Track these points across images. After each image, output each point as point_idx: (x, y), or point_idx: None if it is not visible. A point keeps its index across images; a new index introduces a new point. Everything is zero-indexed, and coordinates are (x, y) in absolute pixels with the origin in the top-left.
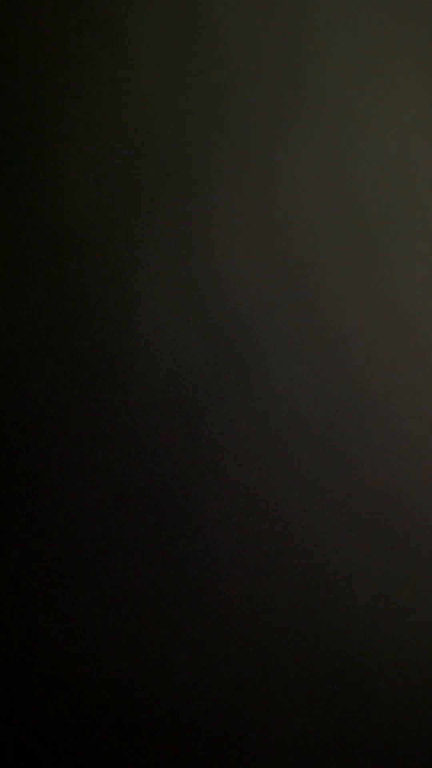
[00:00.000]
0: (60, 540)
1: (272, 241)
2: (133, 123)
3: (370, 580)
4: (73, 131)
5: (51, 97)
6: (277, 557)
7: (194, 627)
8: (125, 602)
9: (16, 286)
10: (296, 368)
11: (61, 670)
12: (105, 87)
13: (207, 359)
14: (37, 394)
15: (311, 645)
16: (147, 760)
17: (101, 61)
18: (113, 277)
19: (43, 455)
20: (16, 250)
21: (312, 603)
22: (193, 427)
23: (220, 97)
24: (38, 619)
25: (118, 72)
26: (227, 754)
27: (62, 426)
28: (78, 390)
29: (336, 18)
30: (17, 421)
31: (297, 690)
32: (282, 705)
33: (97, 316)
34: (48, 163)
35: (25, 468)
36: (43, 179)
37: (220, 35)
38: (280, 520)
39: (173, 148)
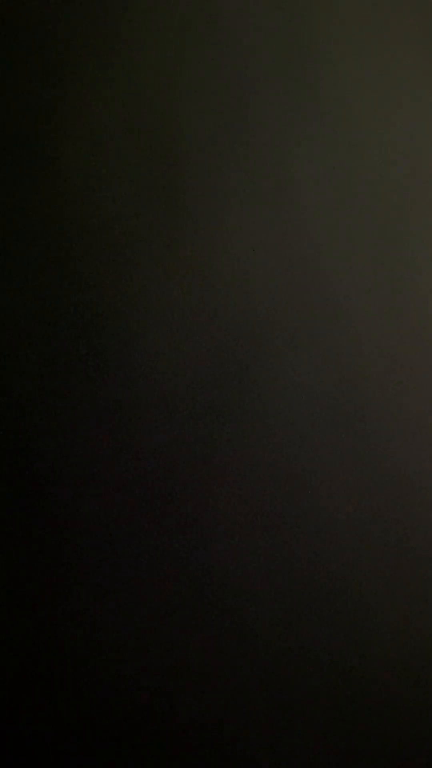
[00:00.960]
0: (64, 540)
1: (279, 236)
2: (139, 121)
3: (376, 575)
4: (79, 132)
5: (60, 96)
6: (285, 555)
7: (199, 627)
8: (130, 602)
9: (23, 283)
10: (304, 365)
11: (63, 669)
12: (112, 88)
13: (212, 356)
14: (40, 395)
15: (319, 641)
16: (148, 761)
17: (108, 60)
18: (118, 276)
19: (46, 455)
20: (20, 247)
21: (318, 597)
22: (198, 424)
23: (229, 91)
24: (41, 619)
25: (125, 72)
26: (229, 753)
27: (64, 425)
28: (82, 389)
29: (343, 17)
30: (20, 421)
31: (302, 688)
32: (286, 704)
33: (100, 317)
34: (54, 165)
35: (28, 470)
36: (49, 180)
37: (227, 35)
38: (288, 521)
39: (179, 143)
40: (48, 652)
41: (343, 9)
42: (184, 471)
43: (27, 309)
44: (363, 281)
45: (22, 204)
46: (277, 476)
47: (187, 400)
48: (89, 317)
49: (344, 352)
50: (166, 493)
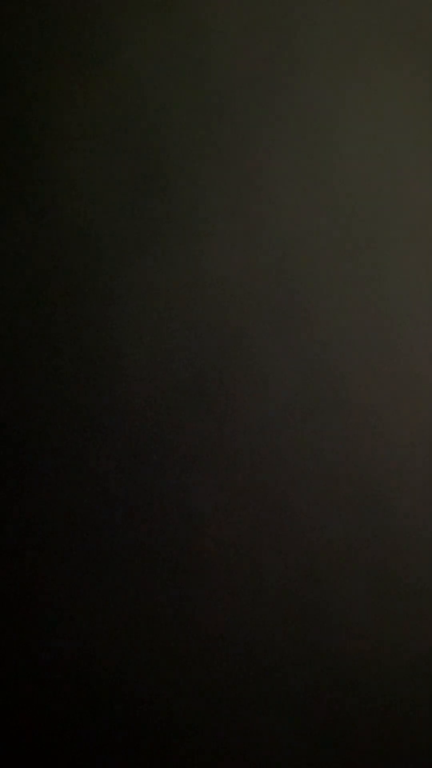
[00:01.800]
0: (55, 546)
1: (261, 243)
2: (125, 129)
3: (363, 574)
4: (71, 135)
5: (51, 104)
6: (271, 555)
7: (187, 629)
8: (120, 604)
9: (12, 289)
10: (286, 370)
11: (59, 672)
12: (101, 93)
13: (195, 362)
14: (29, 402)
15: (306, 642)
16: (145, 762)
17: (98, 65)
18: (102, 281)
19: (37, 462)
20: (14, 244)
21: (304, 596)
22: (182, 430)
23: (211, 100)
24: (37, 622)
25: (114, 78)
26: (223, 754)
27: (54, 430)
28: (69, 394)
29: (323, 24)
30: (11, 429)
31: (294, 689)
32: (279, 701)
33: (85, 321)
34: (46, 172)
35: (18, 474)
36: (39, 187)
37: (213, 42)
38: (273, 522)
39: (163, 151)
40: (45, 653)
41: (323, 16)
42: (172, 476)
43: (21, 303)
44: (345, 284)
45: (15, 205)
46: (263, 479)
47: (171, 405)
48: (75, 320)
49: (326, 354)
50: (156, 496)
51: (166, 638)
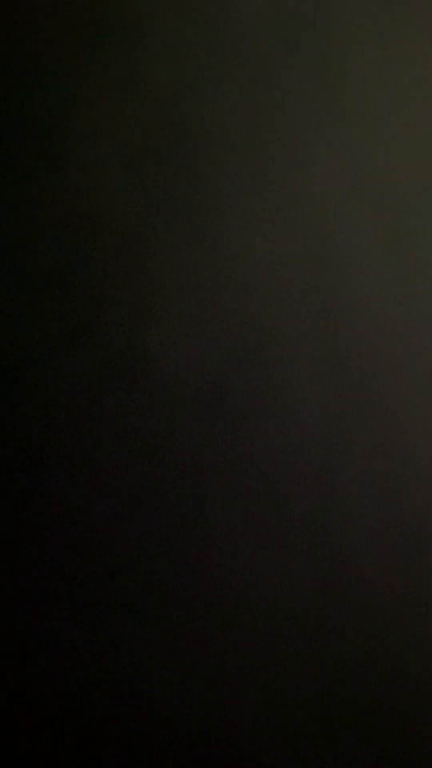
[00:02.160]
0: (71, 536)
1: (289, 228)
2: (149, 124)
3: (377, 564)
4: (87, 135)
5: (62, 92)
6: (285, 549)
7: (201, 627)
8: (132, 596)
9: (31, 279)
10: (313, 359)
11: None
12: (116, 79)
13: (223, 351)
14: (54, 392)
15: (319, 634)
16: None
17: (112, 52)
18: (126, 269)
19: (58, 452)
20: (28, 244)
21: (320, 588)
22: (204, 431)
23: (238, 92)
24: (37, 624)
25: (129, 64)
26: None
27: (78, 420)
28: (95, 383)
29: (355, 11)
30: (34, 418)
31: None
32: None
33: (110, 308)
34: (56, 160)
35: (39, 463)
36: (51, 176)
37: (234, 31)
38: (292, 518)
39: (189, 144)
40: (45, 657)
41: (356, 6)
42: (193, 464)
43: (37, 308)
44: (375, 269)
45: (30, 205)
46: (285, 467)
47: (198, 395)
48: (100, 308)
49: (355, 342)
50: (176, 487)
51: (170, 629)
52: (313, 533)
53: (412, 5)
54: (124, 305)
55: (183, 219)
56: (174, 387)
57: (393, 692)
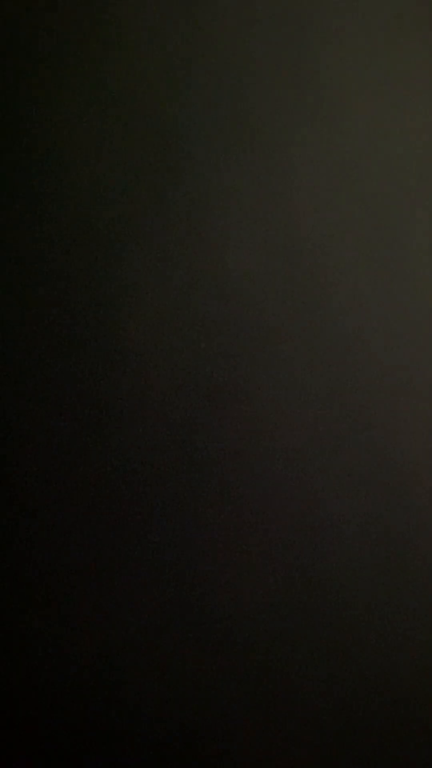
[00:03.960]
0: (56, 546)
1: (278, 230)
2: (138, 115)
3: (367, 568)
4: (78, 125)
5: (59, 88)
6: (278, 555)
7: (195, 632)
8: (122, 604)
9: (19, 282)
10: (301, 360)
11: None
12: (111, 80)
13: (208, 351)
14: (29, 395)
15: (312, 634)
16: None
17: (108, 52)
18: (111, 269)
19: (35, 460)
20: (22, 235)
21: (312, 594)
22: (192, 423)
23: (228, 85)
24: (36, 624)
25: (125, 63)
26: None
27: (54, 423)
28: (79, 388)
29: (343, 14)
30: (9, 423)
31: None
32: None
33: (94, 314)
34: (54, 160)
35: (16, 473)
36: (49, 177)
37: (227, 26)
38: (283, 524)
39: (178, 136)
40: (45, 659)
41: (346, 8)
42: (179, 470)
43: (28, 297)
44: (363, 272)
45: (18, 193)
46: (275, 474)
47: (179, 400)
48: (82, 308)
49: (344, 347)
50: (162, 493)
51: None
52: (299, 556)
53: None
54: (99, 304)
55: (167, 221)
56: (161, 381)
57: (384, 701)
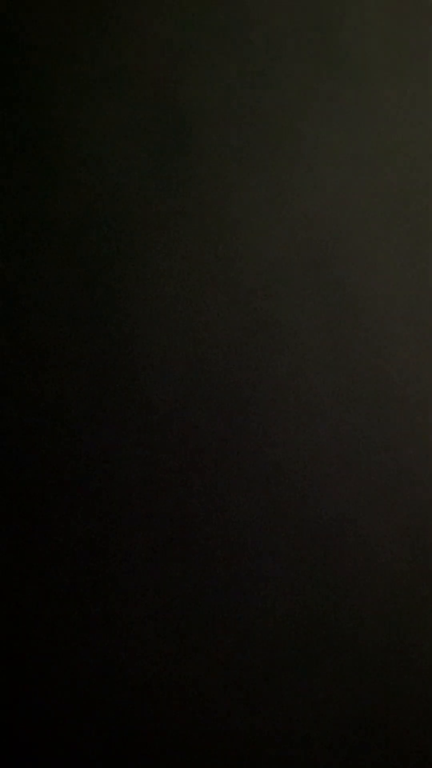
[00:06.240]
0: (65, 544)
1: (294, 219)
2: (145, 95)
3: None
4: (84, 107)
5: (64, 70)
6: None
7: (195, 633)
8: (132, 609)
9: (29, 271)
10: (319, 354)
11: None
12: (117, 59)
13: (220, 345)
14: (52, 391)
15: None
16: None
17: (112, 28)
18: (118, 259)
19: (36, 460)
20: (28, 225)
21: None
22: (210, 422)
23: (238, 62)
24: (42, 620)
25: (130, 42)
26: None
27: (77, 420)
28: (91, 382)
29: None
30: (24, 423)
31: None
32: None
33: (106, 306)
34: (59, 143)
35: (17, 474)
36: (54, 159)
37: (237, 21)
38: (295, 526)
39: (187, 115)
40: (51, 653)
41: None
42: (184, 472)
43: (39, 285)
44: (381, 261)
45: (27, 184)
46: (290, 476)
47: (196, 384)
48: (98, 294)
49: (362, 336)
50: (169, 492)
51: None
52: (315, 543)
53: None
54: (117, 296)
55: (183, 212)
56: (171, 374)
57: (388, 702)
